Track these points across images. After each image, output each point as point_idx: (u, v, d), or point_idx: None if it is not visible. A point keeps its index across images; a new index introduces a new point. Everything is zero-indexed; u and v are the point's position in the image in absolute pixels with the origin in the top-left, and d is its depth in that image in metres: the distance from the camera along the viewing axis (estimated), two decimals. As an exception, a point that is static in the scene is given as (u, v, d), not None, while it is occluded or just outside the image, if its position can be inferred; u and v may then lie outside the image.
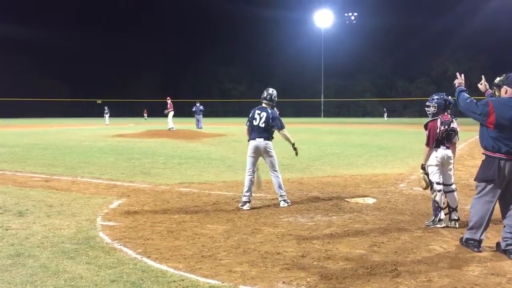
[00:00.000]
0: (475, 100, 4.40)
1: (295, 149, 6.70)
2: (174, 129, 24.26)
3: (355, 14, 70.36)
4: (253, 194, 6.56)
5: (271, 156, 6.59)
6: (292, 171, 9.74)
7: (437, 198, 5.27)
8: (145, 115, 60.25)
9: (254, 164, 6.68)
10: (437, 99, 5.43)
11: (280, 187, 6.50)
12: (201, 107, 31.07)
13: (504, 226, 4.38)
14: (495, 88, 4.47)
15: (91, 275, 3.68)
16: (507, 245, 4.26)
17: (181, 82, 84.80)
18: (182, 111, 51.56)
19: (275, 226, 5.32)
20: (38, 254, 4.21)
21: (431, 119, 5.47)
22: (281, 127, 6.57)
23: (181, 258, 4.15)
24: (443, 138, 5.36)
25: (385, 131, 28.91)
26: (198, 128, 28.64)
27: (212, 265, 3.97)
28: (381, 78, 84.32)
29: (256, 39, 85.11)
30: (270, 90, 6.89)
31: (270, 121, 6.54)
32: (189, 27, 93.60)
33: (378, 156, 13.25)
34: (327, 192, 7.41)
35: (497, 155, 4.22)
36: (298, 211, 6.13)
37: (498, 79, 4.43)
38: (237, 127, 35.23)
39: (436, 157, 5.36)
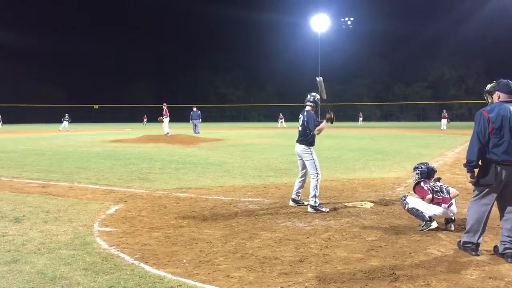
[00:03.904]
0: (479, 137, 4.28)
1: (330, 120, 6.60)
2: (169, 134, 24.24)
3: (352, 19, 70.44)
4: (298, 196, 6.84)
5: (308, 160, 6.63)
6: (290, 175, 9.74)
7: (410, 206, 5.38)
8: (145, 120, 60.38)
9: (302, 166, 6.81)
10: (420, 168, 5.69)
11: (312, 189, 6.44)
12: (198, 112, 31.05)
13: (502, 229, 4.39)
14: (487, 95, 4.50)
15: (88, 281, 3.67)
16: (505, 248, 4.27)
17: (178, 88, 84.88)
18: (180, 116, 51.52)
19: (272, 231, 5.31)
20: (35, 260, 4.19)
21: (415, 182, 5.66)
22: (312, 129, 6.57)
23: (178, 264, 4.14)
24: (437, 191, 5.37)
25: (382, 135, 28.97)
26: (195, 133, 28.63)
27: (209, 270, 3.96)
28: (377, 82, 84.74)
29: (253, 44, 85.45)
30: (314, 93, 6.93)
31: (306, 123, 6.60)
32: (186, 32, 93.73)
33: (376, 160, 13.27)
34: (325, 197, 7.41)
35: (494, 161, 4.23)
36: (296, 216, 6.12)
37: (489, 86, 4.49)
38: (234, 132, 35.24)
39: (435, 214, 5.28)
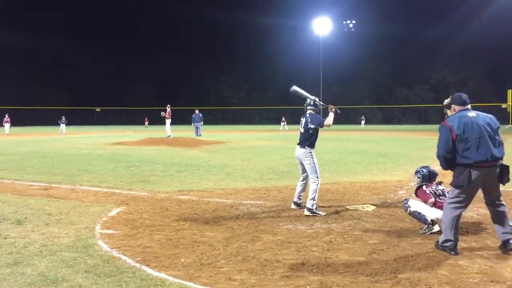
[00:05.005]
0: (441, 145, 4.55)
1: (334, 111, 6.58)
2: (171, 136, 24.24)
3: (354, 22, 70.68)
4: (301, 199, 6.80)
5: (308, 164, 6.58)
6: (292, 178, 9.74)
7: (412, 210, 5.36)
8: (146, 123, 60.40)
9: (303, 170, 6.77)
10: (421, 172, 5.72)
11: (311, 193, 6.40)
12: (200, 115, 31.05)
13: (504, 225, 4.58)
14: (446, 110, 4.84)
15: (90, 284, 3.67)
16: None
17: (181, 90, 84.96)
18: (182, 119, 51.55)
19: (274, 234, 5.30)
20: (36, 262, 4.19)
21: (417, 185, 5.70)
22: (320, 124, 6.52)
23: (180, 266, 4.14)
24: (440, 195, 5.40)
25: (384, 138, 28.94)
26: (197, 135, 28.63)
27: (211, 273, 3.95)
28: (379, 85, 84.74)
29: (255, 47, 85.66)
30: (313, 96, 6.90)
31: (309, 124, 6.56)
32: (188, 35, 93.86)
33: (377, 163, 13.25)
34: (326, 199, 7.40)
35: (467, 165, 4.43)
36: (298, 219, 6.11)
37: (446, 101, 4.84)
38: (236, 134, 35.25)
39: (437, 217, 5.25)
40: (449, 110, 4.76)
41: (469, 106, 4.65)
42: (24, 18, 78.10)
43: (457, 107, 4.66)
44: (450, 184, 4.64)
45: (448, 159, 4.52)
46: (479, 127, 4.43)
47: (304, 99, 6.87)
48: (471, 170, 4.40)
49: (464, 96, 4.70)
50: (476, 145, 4.38)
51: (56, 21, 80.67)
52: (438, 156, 4.61)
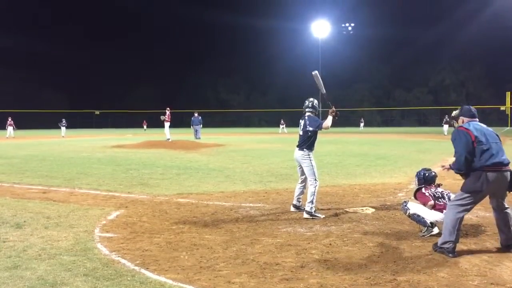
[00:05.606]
0: (462, 147, 4.56)
1: (334, 114, 6.56)
2: (170, 139, 24.22)
3: (352, 24, 70.90)
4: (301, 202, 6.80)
5: (306, 166, 6.59)
6: (291, 181, 9.73)
7: (411, 212, 5.35)
8: (145, 126, 60.31)
9: (301, 172, 6.78)
10: (418, 175, 5.77)
11: (310, 195, 6.40)
12: (199, 118, 31.06)
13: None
14: (453, 120, 4.94)
15: (89, 287, 3.66)
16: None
17: (180, 93, 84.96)
18: (181, 122, 51.53)
19: (273, 237, 5.30)
20: (35, 266, 4.18)
21: (416, 188, 5.73)
22: (318, 127, 6.54)
23: (179, 269, 4.14)
24: (439, 197, 5.40)
25: (383, 140, 28.95)
26: (196, 138, 28.64)
27: (210, 276, 3.95)
28: (378, 87, 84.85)
29: (254, 50, 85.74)
30: (311, 98, 6.91)
31: (308, 126, 6.57)
32: (187, 38, 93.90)
33: (377, 165, 13.25)
34: (326, 202, 7.40)
35: (485, 168, 4.45)
36: (297, 221, 6.11)
37: (454, 112, 4.96)
38: (235, 137, 35.25)
39: (436, 220, 5.25)
40: (456, 122, 4.87)
41: (477, 119, 4.78)
42: (24, 20, 78.11)
43: (466, 119, 4.75)
44: (461, 190, 4.62)
45: (469, 161, 4.51)
46: (493, 134, 4.61)
47: (303, 100, 6.89)
48: (487, 174, 4.44)
49: (474, 109, 4.85)
50: (494, 148, 4.48)
51: (55, 23, 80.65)
52: (459, 157, 4.57)
